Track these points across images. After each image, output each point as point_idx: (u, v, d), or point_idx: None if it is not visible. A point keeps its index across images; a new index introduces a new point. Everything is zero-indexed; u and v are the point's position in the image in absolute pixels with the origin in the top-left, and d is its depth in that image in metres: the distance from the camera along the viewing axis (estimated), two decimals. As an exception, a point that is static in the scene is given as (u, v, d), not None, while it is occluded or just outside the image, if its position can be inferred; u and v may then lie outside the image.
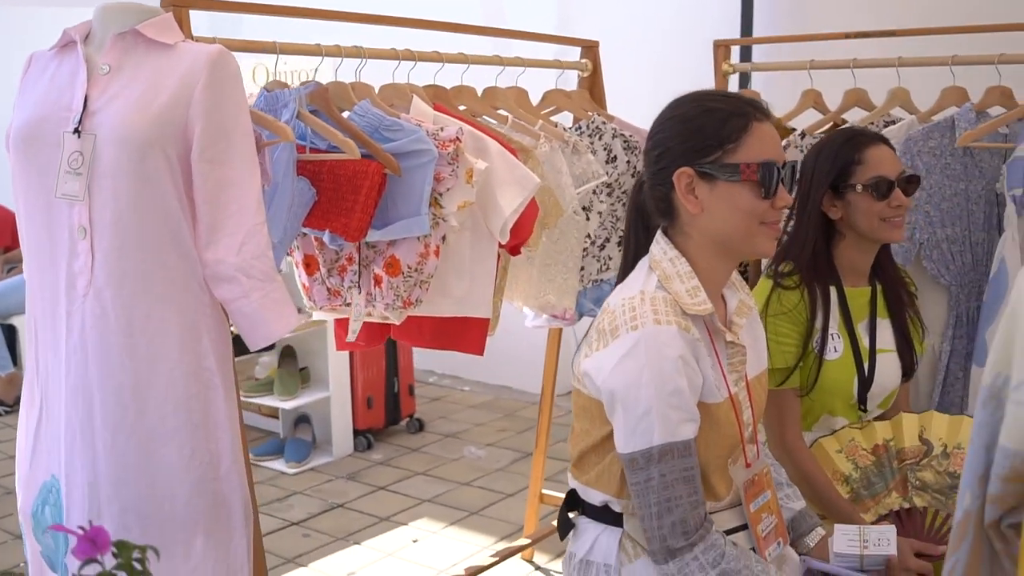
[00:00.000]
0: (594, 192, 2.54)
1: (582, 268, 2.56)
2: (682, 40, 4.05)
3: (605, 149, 2.60)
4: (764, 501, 1.58)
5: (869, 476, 1.84)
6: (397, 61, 2.13)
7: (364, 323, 2.11)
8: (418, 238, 1.93)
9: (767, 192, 1.41)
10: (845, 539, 1.63)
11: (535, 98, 2.59)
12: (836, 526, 1.67)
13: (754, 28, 4.08)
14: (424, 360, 5.21)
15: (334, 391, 4.02)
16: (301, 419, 4.13)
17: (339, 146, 1.78)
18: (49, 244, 1.54)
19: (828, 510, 1.84)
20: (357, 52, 2.03)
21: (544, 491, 3.02)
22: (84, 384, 1.50)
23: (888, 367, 1.94)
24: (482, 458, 4.01)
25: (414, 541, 3.22)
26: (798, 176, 1.70)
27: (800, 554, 1.68)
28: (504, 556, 2.75)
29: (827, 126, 2.55)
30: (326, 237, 2.00)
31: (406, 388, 4.35)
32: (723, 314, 1.54)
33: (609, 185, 2.57)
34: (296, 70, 4.36)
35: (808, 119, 2.59)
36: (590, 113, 2.63)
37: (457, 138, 1.90)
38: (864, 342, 1.91)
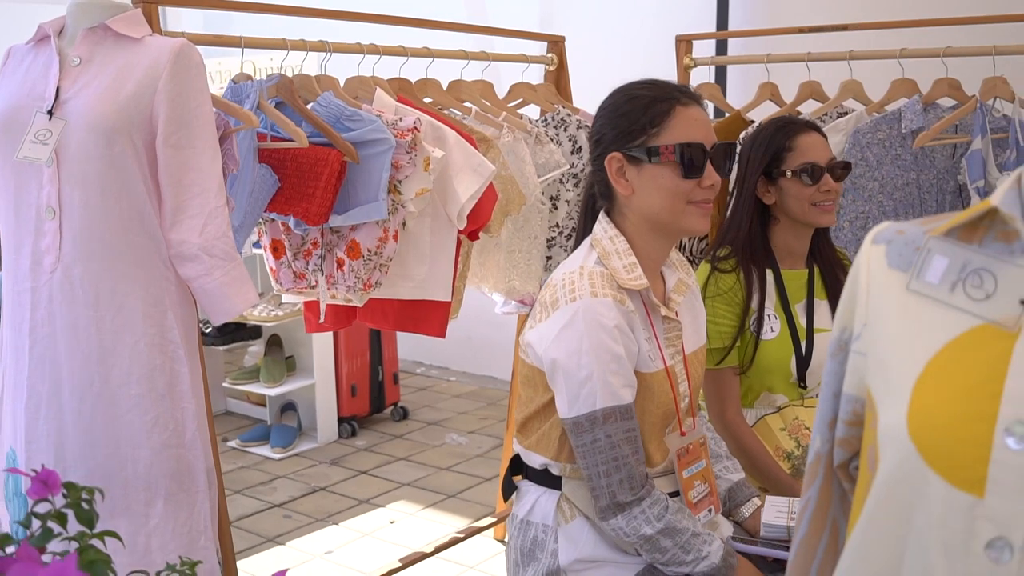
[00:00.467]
0: (561, 182, 2.63)
1: (549, 257, 2.66)
2: (659, 36, 4.14)
3: (570, 140, 2.70)
4: (698, 469, 1.67)
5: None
6: (362, 55, 2.23)
7: (331, 306, 2.22)
8: (377, 223, 2.03)
9: (688, 172, 1.50)
10: (775, 510, 1.72)
11: (505, 91, 2.69)
12: (767, 498, 1.76)
13: (729, 24, 4.17)
14: (412, 351, 5.31)
15: (319, 379, 4.13)
16: (287, 406, 4.24)
17: (290, 135, 1.88)
18: (15, 224, 1.65)
19: (768, 482, 1.93)
20: (322, 46, 2.13)
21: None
22: (52, 356, 1.61)
23: (826, 346, 2.03)
24: (463, 444, 4.11)
25: (391, 522, 3.32)
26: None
27: (735, 523, 1.78)
28: (470, 533, 2.85)
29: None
30: (291, 222, 2.11)
31: (390, 377, 4.45)
32: (661, 291, 1.64)
33: (575, 175, 2.67)
34: (292, 64, 4.46)
35: (765, 111, 2.68)
36: (556, 105, 2.73)
37: (415, 127, 2.00)
38: (801, 322, 2.00)
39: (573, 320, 1.47)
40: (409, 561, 2.66)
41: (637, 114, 1.51)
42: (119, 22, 1.69)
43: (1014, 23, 2.42)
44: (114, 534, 1.09)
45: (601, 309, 1.47)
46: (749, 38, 3.75)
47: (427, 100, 2.40)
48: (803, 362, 2.00)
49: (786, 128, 1.97)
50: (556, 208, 2.67)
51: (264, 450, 4.02)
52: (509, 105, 2.66)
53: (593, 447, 1.47)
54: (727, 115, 2.80)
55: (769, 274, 1.99)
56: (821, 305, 2.04)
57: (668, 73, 2.87)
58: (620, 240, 1.56)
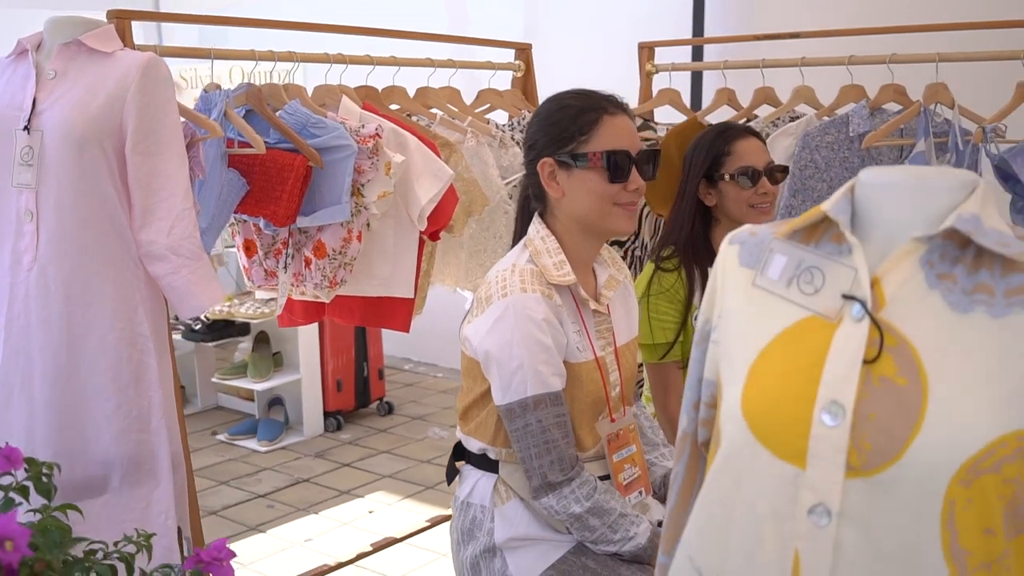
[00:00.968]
0: (526, 184, 2.75)
1: (515, 255, 2.77)
2: (633, 42, 4.25)
3: (536, 144, 2.81)
4: (628, 454, 1.78)
5: None
6: (329, 64, 2.35)
7: (301, 301, 2.34)
8: (342, 224, 2.15)
9: (614, 177, 1.62)
10: None
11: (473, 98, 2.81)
12: None
13: (705, 29, 4.28)
14: (401, 347, 5.43)
15: (305, 374, 4.25)
16: (274, 401, 4.36)
17: (249, 141, 2.00)
18: None
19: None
20: (290, 56, 2.25)
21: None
22: (26, 347, 1.73)
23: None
24: (445, 438, 4.23)
25: (370, 512, 3.44)
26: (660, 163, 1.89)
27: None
28: (437, 522, 2.97)
29: (741, 122, 2.75)
30: (262, 223, 2.23)
31: (376, 373, 4.58)
32: (592, 286, 1.75)
33: (541, 177, 2.78)
34: (280, 71, 4.59)
35: (723, 115, 2.79)
36: (522, 111, 2.85)
37: (377, 134, 2.12)
38: (741, 317, 2.11)
39: (504, 314, 1.59)
40: (380, 546, 2.79)
41: (567, 123, 1.63)
42: (92, 38, 1.82)
43: (956, 31, 2.52)
44: (74, 506, 1.21)
45: (530, 303, 1.58)
46: (734, 44, 3.85)
47: (394, 107, 2.52)
48: (743, 356, 2.10)
49: (725, 134, 2.08)
50: (522, 209, 2.79)
51: (251, 443, 4.15)
52: (477, 110, 2.77)
53: (525, 431, 1.59)
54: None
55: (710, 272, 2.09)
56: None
57: (634, 78, 2.99)
58: (551, 240, 1.67)
